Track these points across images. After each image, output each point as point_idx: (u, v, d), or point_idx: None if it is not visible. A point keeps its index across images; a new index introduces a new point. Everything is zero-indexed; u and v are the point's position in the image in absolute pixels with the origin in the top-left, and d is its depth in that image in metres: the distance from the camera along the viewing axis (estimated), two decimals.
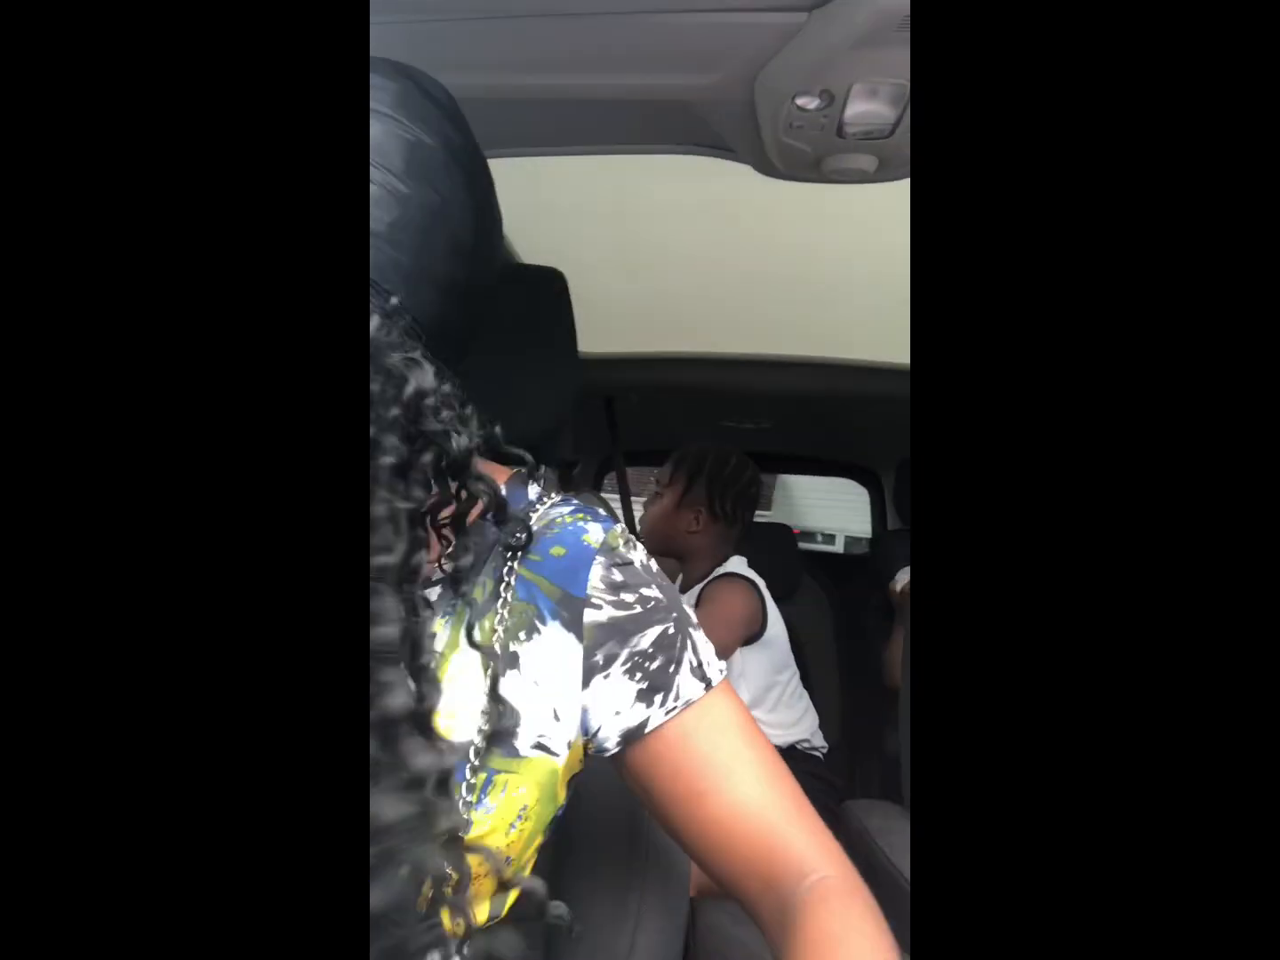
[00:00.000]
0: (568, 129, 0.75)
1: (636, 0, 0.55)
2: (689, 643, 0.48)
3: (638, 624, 0.46)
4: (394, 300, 0.40)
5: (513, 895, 0.48)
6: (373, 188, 0.39)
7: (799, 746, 1.45)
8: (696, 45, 0.60)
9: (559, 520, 0.49)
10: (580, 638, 0.46)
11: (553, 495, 0.52)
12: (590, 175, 0.88)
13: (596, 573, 0.46)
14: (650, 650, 0.46)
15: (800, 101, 0.62)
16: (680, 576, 1.58)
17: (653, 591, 0.48)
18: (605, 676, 0.46)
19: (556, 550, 0.47)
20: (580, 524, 0.48)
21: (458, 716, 0.44)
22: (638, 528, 1.67)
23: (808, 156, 0.71)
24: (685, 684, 0.46)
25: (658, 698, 0.46)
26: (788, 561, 1.82)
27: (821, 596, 1.88)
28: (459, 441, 0.41)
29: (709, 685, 0.47)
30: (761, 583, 1.46)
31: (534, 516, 0.49)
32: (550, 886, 0.65)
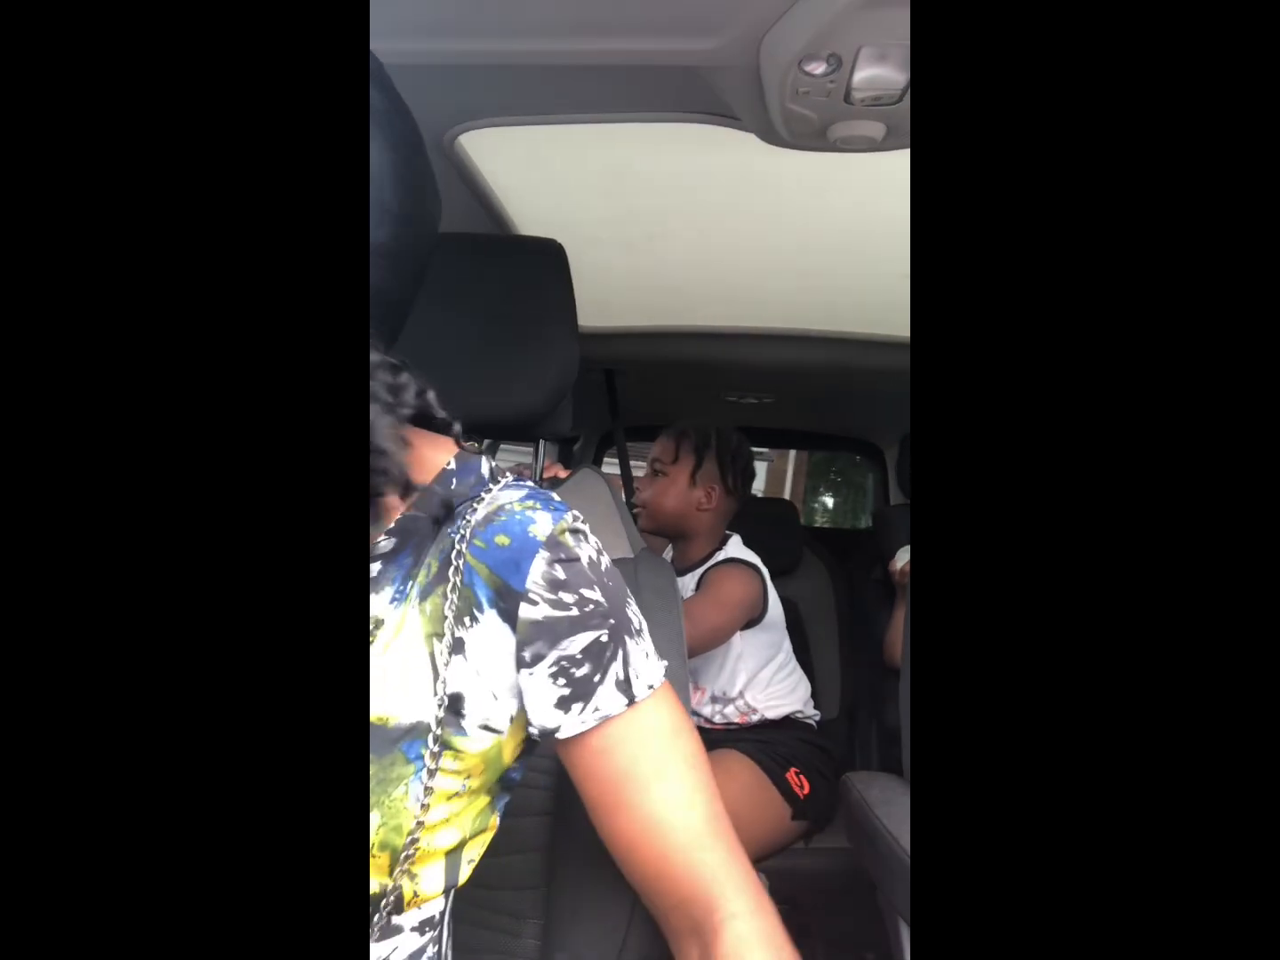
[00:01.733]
0: (567, 96, 0.73)
1: None
2: (620, 653, 0.46)
3: (571, 627, 0.45)
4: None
5: (472, 864, 0.48)
6: None
7: (794, 716, 1.47)
8: (700, 8, 0.58)
9: (508, 506, 0.47)
10: (514, 630, 0.45)
11: (506, 476, 0.50)
12: (590, 144, 0.86)
13: (539, 568, 0.45)
14: (579, 656, 0.45)
15: (807, 66, 0.61)
16: (671, 556, 1.57)
17: (594, 594, 0.46)
18: (530, 674, 0.45)
19: (501, 539, 0.46)
20: (529, 513, 0.46)
21: (409, 696, 0.44)
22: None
23: (814, 124, 0.69)
24: (606, 697, 0.45)
25: (575, 706, 0.45)
26: (789, 537, 1.82)
27: (823, 570, 1.88)
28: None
29: (632, 701, 0.46)
30: (763, 566, 1.46)
31: (485, 498, 0.48)
32: (548, 856, 0.66)
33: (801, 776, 1.35)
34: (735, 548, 1.48)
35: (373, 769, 0.42)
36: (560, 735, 0.45)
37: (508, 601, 0.45)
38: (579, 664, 0.45)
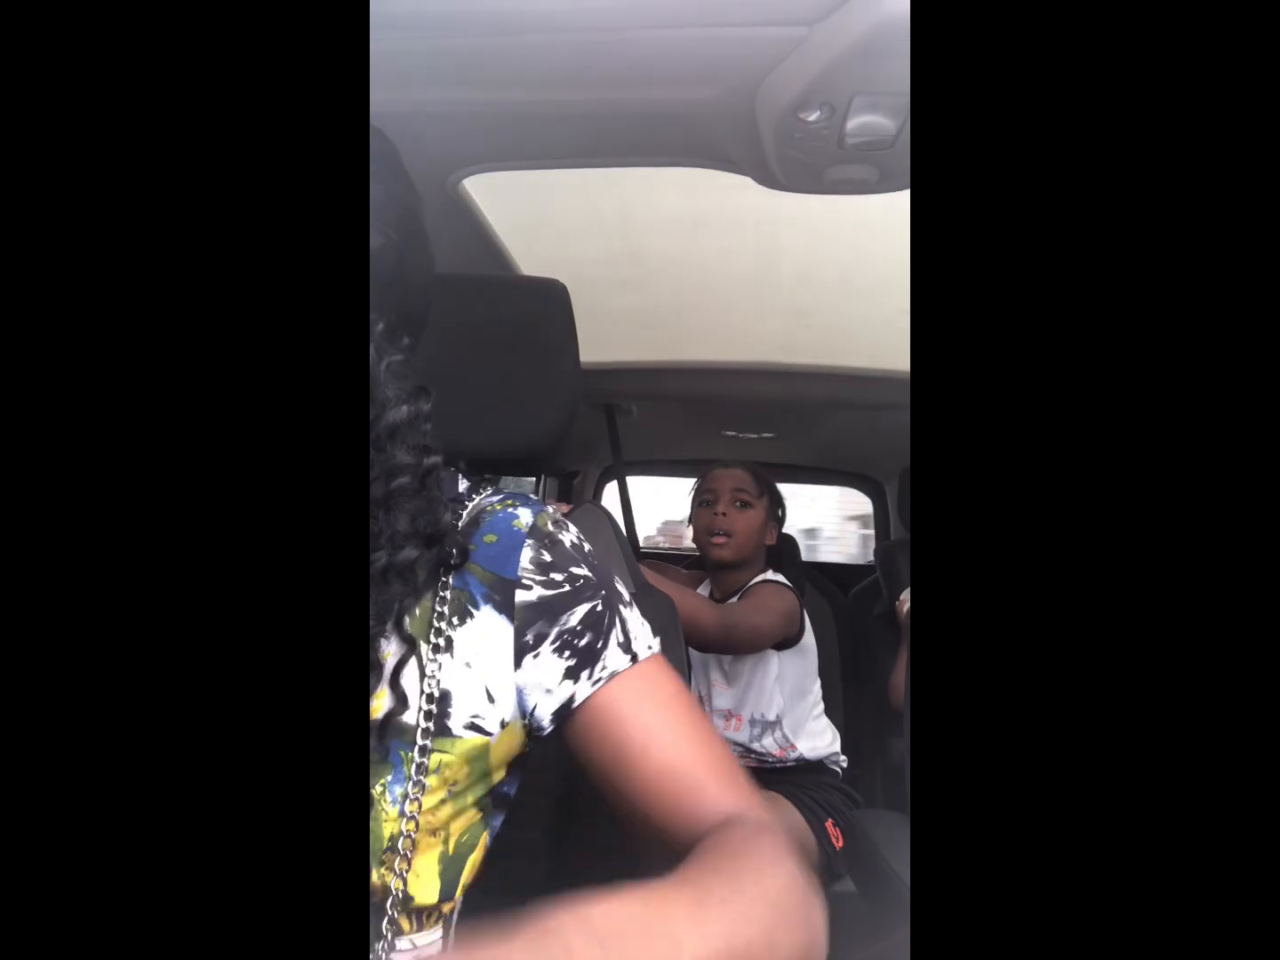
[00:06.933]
0: (569, 143, 0.75)
1: (636, 15, 0.55)
2: (617, 619, 0.49)
3: (566, 603, 0.48)
4: (380, 326, 0.44)
5: (466, 874, 0.48)
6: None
7: (828, 763, 1.44)
8: (697, 59, 0.60)
9: (489, 509, 0.51)
10: (512, 619, 0.47)
11: (484, 489, 0.53)
12: (592, 188, 0.88)
13: (526, 555, 0.48)
14: (578, 628, 0.47)
15: (801, 114, 0.63)
16: (710, 587, 1.54)
17: (582, 570, 0.49)
18: (535, 656, 0.47)
19: (489, 538, 0.49)
20: (510, 510, 0.50)
21: (399, 701, 0.45)
22: (639, 539, 1.66)
23: (809, 168, 0.71)
24: (611, 657, 0.48)
25: (584, 673, 0.47)
26: (792, 570, 1.81)
27: (825, 605, 1.88)
28: (430, 459, 0.46)
29: (635, 659, 0.48)
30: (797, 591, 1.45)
31: (465, 511, 0.51)
32: (556, 847, 0.65)
33: (837, 828, 1.31)
34: (773, 574, 1.48)
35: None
36: (576, 703, 0.47)
37: (502, 593, 0.47)
38: (580, 634, 0.47)
